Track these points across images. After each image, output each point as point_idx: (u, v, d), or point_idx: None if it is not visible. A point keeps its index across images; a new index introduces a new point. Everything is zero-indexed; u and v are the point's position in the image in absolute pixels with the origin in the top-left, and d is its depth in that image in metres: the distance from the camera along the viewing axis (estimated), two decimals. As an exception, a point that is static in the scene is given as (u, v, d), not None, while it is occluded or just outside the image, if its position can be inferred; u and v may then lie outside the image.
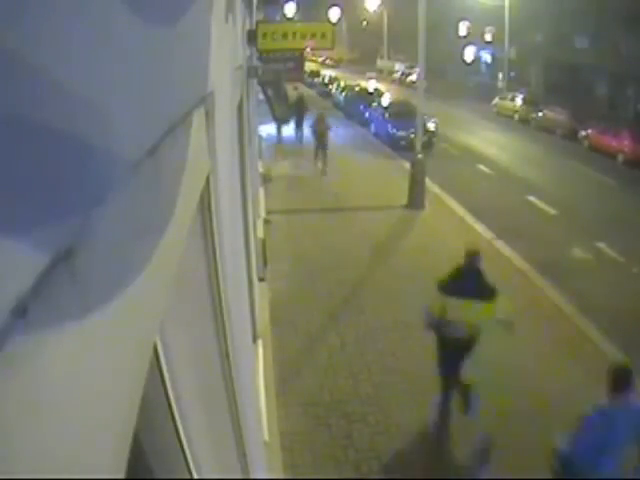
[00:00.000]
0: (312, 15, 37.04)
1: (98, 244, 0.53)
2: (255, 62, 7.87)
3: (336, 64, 50.55)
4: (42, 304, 0.41)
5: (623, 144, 17.74)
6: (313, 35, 7.02)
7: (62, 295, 0.45)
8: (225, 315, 1.64)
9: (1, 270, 0.37)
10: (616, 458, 3.96)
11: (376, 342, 6.74)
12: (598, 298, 7.85)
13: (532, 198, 13.04)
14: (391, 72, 44.27)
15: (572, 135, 20.70)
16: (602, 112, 22.74)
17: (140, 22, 0.74)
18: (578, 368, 6.19)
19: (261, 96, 12.08)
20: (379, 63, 50.04)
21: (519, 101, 25.79)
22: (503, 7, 31.28)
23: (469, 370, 5.20)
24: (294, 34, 6.99)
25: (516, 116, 25.37)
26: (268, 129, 17.63)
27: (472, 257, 4.97)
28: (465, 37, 38.82)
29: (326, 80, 34.03)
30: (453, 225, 10.98)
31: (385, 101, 21.90)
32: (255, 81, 8.54)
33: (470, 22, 37.68)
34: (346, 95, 26.57)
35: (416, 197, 11.64)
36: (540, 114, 23.45)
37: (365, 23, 55.26)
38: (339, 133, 20.40)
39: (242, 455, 1.94)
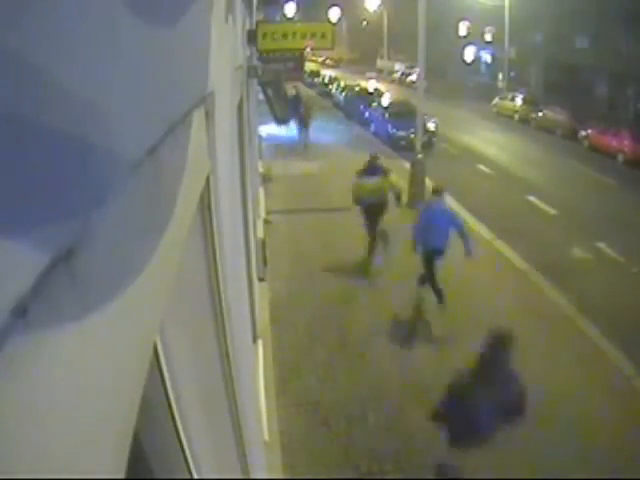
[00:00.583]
0: (312, 15, 36.94)
1: (98, 244, 0.53)
2: (255, 62, 7.86)
3: (336, 64, 50.46)
4: (42, 304, 0.41)
5: (623, 144, 17.73)
6: (313, 35, 7.02)
7: (62, 295, 0.45)
8: (225, 315, 1.64)
9: (1, 270, 0.37)
10: (438, 234, 6.86)
11: (376, 342, 6.74)
12: (598, 298, 7.85)
13: (532, 198, 13.04)
14: (391, 72, 44.22)
15: (572, 135, 20.68)
16: (602, 112, 22.73)
17: (140, 22, 0.74)
18: (578, 368, 6.19)
19: (261, 96, 12.07)
20: (379, 63, 49.98)
21: (519, 101, 25.77)
22: (503, 7, 31.25)
23: None
24: (294, 34, 7.00)
25: (516, 116, 25.34)
26: (268, 129, 17.61)
27: (374, 160, 8.82)
28: (465, 37, 38.78)
29: (326, 80, 33.97)
30: (453, 225, 10.96)
31: (385, 101, 21.89)
32: (255, 81, 8.54)
33: (470, 22, 37.66)
34: (346, 95, 26.55)
35: (416, 197, 11.64)
36: (540, 114, 23.43)
37: (365, 23, 55.20)
38: (339, 133, 20.41)
39: (242, 455, 1.94)
